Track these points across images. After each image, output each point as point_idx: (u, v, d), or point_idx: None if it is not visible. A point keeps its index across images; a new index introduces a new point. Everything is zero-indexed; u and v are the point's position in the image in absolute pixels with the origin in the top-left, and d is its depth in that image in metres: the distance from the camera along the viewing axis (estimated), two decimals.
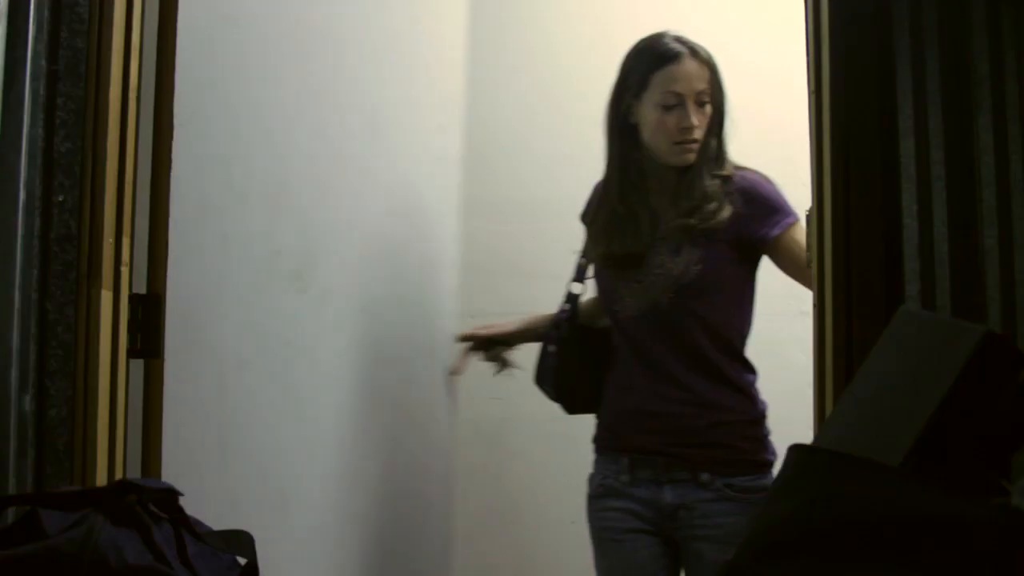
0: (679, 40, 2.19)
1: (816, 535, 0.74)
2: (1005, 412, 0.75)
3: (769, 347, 2.92)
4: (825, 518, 0.74)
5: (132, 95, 1.99)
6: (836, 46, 1.95)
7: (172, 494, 1.49)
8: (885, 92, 1.94)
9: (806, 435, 2.37)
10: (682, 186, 2.21)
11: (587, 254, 2.39)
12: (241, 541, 1.51)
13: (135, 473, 2.08)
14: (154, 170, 2.20)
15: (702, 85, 2.14)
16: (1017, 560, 0.67)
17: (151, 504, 1.43)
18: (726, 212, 2.27)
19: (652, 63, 2.15)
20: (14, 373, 1.78)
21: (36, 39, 1.84)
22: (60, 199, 1.86)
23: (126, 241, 1.97)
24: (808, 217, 2.11)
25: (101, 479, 1.89)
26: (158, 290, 2.15)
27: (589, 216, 2.37)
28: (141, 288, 2.16)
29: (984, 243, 1.84)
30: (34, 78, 1.84)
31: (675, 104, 2.12)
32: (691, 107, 2.12)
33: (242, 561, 1.51)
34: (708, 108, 2.16)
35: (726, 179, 2.25)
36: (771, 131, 3.05)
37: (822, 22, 1.98)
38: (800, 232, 2.29)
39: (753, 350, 2.90)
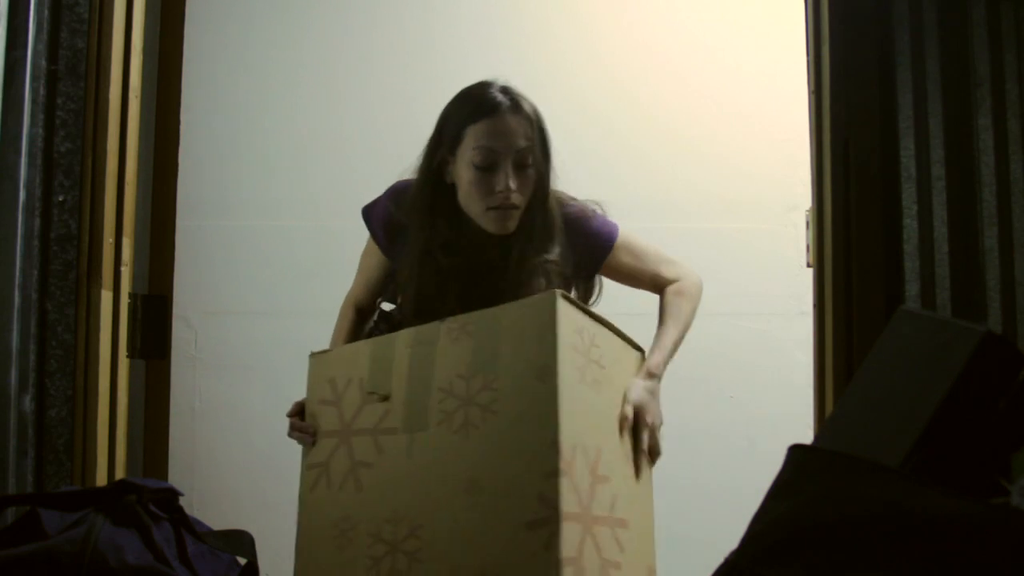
0: (504, 90, 1.84)
1: (816, 535, 0.74)
2: (1005, 412, 0.75)
3: (769, 347, 2.92)
4: (825, 518, 0.74)
5: (132, 95, 1.99)
6: (836, 46, 1.95)
7: (172, 494, 1.49)
8: (885, 92, 1.94)
9: (806, 435, 2.38)
10: (508, 273, 1.85)
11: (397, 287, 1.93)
12: (241, 541, 1.51)
13: (135, 473, 2.08)
14: (157, 170, 2.20)
15: (523, 143, 1.79)
16: (1017, 559, 0.67)
17: (151, 504, 1.43)
18: None
19: (468, 114, 1.82)
20: (14, 373, 1.79)
21: (36, 39, 1.84)
22: (60, 199, 1.86)
23: (126, 241, 1.97)
24: (808, 217, 2.11)
25: (101, 479, 1.89)
26: (163, 291, 2.15)
27: (391, 249, 1.93)
28: (143, 289, 2.17)
29: (984, 243, 1.84)
30: (34, 78, 1.84)
31: (490, 164, 1.78)
32: (508, 168, 1.79)
33: (242, 561, 1.51)
34: (531, 172, 1.82)
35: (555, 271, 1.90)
36: (771, 131, 3.05)
37: (822, 22, 1.98)
38: None
39: (753, 350, 2.90)
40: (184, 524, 1.47)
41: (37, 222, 1.83)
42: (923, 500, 0.68)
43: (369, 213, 1.97)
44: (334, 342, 1.99)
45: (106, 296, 1.89)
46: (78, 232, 1.86)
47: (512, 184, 1.78)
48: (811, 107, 2.05)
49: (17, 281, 1.80)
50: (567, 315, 1.46)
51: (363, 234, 1.96)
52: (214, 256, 2.88)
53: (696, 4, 3.09)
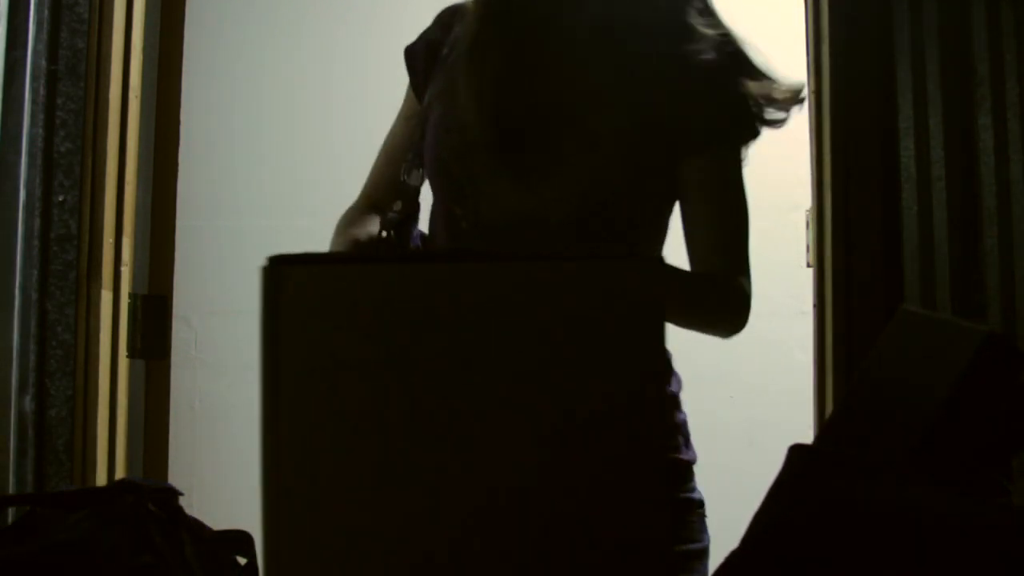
0: None
1: (818, 535, 0.74)
2: (1007, 413, 0.75)
3: (769, 347, 2.92)
4: (827, 519, 0.74)
5: (132, 95, 1.99)
6: (836, 46, 1.95)
7: (172, 494, 1.49)
8: (885, 92, 1.94)
9: (806, 435, 2.38)
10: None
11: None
12: (241, 541, 1.51)
13: (135, 473, 2.08)
14: (157, 170, 2.20)
15: None
16: (1019, 561, 0.67)
17: (151, 504, 1.43)
18: None
19: None
20: (14, 373, 1.79)
21: (36, 39, 1.84)
22: (60, 199, 1.86)
23: (126, 241, 1.97)
24: (808, 217, 2.11)
25: (101, 479, 1.89)
26: (163, 291, 2.15)
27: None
28: (143, 289, 2.17)
29: (984, 243, 1.84)
30: (34, 78, 1.84)
31: None
32: None
33: (242, 561, 1.51)
34: None
35: None
36: (771, 131, 3.05)
37: (822, 22, 1.98)
38: None
39: (753, 350, 2.90)
40: (184, 524, 1.46)
41: (37, 222, 1.84)
42: (926, 501, 0.68)
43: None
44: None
45: (106, 296, 1.89)
46: (78, 232, 1.86)
47: None
48: (811, 107, 2.05)
49: (17, 281, 1.80)
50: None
51: None
52: (214, 256, 2.88)
53: None
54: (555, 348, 0.69)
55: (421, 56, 1.40)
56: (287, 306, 0.68)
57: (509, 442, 0.69)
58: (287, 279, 0.68)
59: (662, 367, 1.15)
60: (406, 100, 1.46)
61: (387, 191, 1.41)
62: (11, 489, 1.76)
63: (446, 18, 1.39)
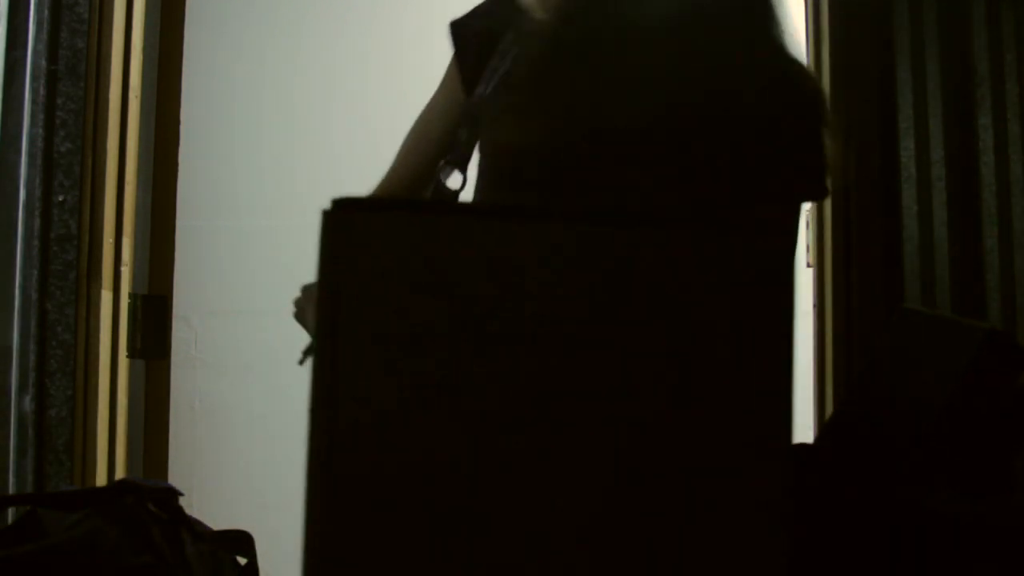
0: None
1: (815, 536, 0.74)
2: (1008, 412, 0.75)
3: None
4: (825, 519, 0.74)
5: (132, 95, 1.99)
6: (836, 46, 1.95)
7: (172, 494, 1.49)
8: (885, 92, 1.94)
9: (806, 435, 2.38)
10: None
11: None
12: (241, 541, 1.51)
13: (135, 473, 2.08)
14: (157, 170, 2.20)
15: None
16: (1020, 561, 0.67)
17: (151, 504, 1.43)
18: None
19: None
20: (14, 373, 1.79)
21: (36, 39, 1.84)
22: (60, 199, 1.86)
23: (126, 241, 1.97)
24: (808, 217, 2.11)
25: (101, 479, 1.89)
26: (163, 291, 2.15)
27: None
28: (143, 289, 2.17)
29: (984, 243, 1.84)
30: (34, 78, 1.84)
31: None
32: None
33: (242, 561, 1.51)
34: None
35: None
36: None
37: (822, 21, 1.98)
38: None
39: None
40: (184, 524, 1.46)
41: (37, 222, 1.83)
42: (927, 501, 0.68)
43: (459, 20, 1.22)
44: None
45: (106, 296, 1.89)
46: (78, 232, 1.86)
47: None
48: None
49: (17, 281, 1.80)
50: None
51: None
52: (214, 256, 2.88)
53: None
54: (665, 323, 0.57)
55: (475, 37, 1.18)
56: (351, 258, 0.58)
57: (596, 428, 0.58)
58: (352, 227, 0.58)
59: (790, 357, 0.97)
60: (445, 85, 1.24)
61: (415, 188, 1.24)
62: (11, 489, 1.76)
63: None
